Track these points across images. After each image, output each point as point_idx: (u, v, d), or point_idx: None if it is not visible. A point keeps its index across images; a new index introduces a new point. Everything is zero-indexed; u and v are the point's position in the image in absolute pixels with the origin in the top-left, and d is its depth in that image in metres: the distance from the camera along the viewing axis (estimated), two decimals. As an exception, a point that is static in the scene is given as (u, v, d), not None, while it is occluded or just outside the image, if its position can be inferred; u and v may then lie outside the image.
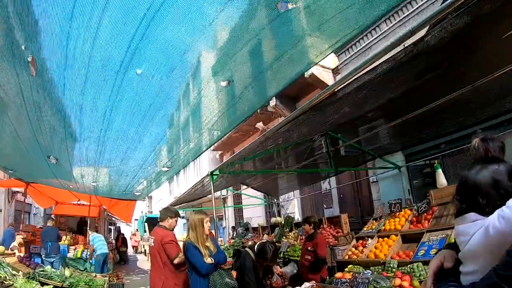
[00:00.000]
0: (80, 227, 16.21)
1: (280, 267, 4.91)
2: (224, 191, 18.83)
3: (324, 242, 6.13)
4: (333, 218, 8.50)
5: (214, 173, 5.49)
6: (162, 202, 34.11)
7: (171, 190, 32.18)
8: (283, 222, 10.28)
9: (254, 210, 15.40)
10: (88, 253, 10.65)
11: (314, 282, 4.76)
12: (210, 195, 13.61)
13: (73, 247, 11.38)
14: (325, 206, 11.98)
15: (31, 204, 18.51)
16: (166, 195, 33.95)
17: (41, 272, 7.23)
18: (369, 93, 4.49)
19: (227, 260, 4.30)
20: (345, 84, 3.79)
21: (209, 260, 3.87)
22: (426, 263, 4.11)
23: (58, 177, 8.29)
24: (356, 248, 5.74)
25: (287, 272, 4.48)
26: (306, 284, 4.60)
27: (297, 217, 10.95)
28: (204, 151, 6.74)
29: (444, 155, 7.41)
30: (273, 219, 10.94)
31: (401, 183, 8.21)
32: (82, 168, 6.74)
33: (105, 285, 7.94)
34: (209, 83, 3.56)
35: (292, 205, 13.50)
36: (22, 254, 8.54)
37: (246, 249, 4.51)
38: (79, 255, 10.75)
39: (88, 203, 13.15)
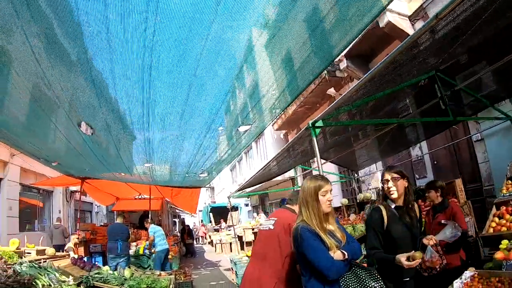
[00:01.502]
0: (142, 221, 15.35)
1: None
2: (291, 172, 17.25)
3: (461, 211, 4.78)
4: (440, 186, 6.70)
5: (316, 124, 3.82)
6: (225, 192, 33.52)
7: (234, 178, 31.29)
8: (373, 198, 8.54)
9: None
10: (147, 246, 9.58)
11: (474, 270, 3.15)
12: (279, 177, 12.19)
13: (134, 243, 10.38)
14: (417, 176, 10.04)
15: (92, 203, 18.20)
16: (228, 184, 33.25)
17: (96, 275, 6.09)
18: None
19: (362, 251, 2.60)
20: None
21: (338, 254, 2.23)
22: None
23: (106, 166, 7.12)
24: (500, 218, 4.40)
25: (447, 238, 2.65)
26: (466, 273, 3.09)
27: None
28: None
29: None
30: (360, 195, 9.14)
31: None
32: (126, 139, 5.27)
33: (171, 286, 6.67)
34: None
35: (375, 179, 11.73)
36: (76, 256, 7.54)
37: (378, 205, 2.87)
38: (141, 251, 9.70)
39: (149, 196, 12.17)
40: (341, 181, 12.48)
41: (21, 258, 5.91)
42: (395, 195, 2.70)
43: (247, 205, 29.94)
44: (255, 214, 22.78)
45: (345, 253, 2.23)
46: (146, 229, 10.35)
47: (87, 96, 3.80)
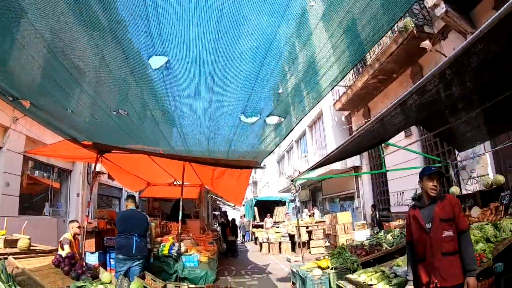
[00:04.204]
0: (175, 211, 12.57)
1: None
2: (355, 159, 14.11)
3: None
4: None
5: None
6: (270, 186, 30.94)
7: (281, 171, 28.48)
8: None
9: (407, 180, 10.45)
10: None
11: None
12: (339, 166, 9.16)
13: (158, 240, 7.83)
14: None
15: (121, 188, 15.99)
16: (274, 177, 30.52)
17: (73, 294, 3.56)
18: None
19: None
20: None
21: None
22: None
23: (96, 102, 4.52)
24: None
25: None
26: None
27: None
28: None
29: None
30: (487, 180, 6.33)
31: None
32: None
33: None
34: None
35: (482, 163, 8.52)
36: (64, 253, 5.10)
37: None
38: (166, 251, 7.14)
39: (182, 178, 9.41)
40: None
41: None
42: None
43: (292, 201, 27.04)
44: (306, 210, 19.89)
45: None
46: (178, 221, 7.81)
47: None
